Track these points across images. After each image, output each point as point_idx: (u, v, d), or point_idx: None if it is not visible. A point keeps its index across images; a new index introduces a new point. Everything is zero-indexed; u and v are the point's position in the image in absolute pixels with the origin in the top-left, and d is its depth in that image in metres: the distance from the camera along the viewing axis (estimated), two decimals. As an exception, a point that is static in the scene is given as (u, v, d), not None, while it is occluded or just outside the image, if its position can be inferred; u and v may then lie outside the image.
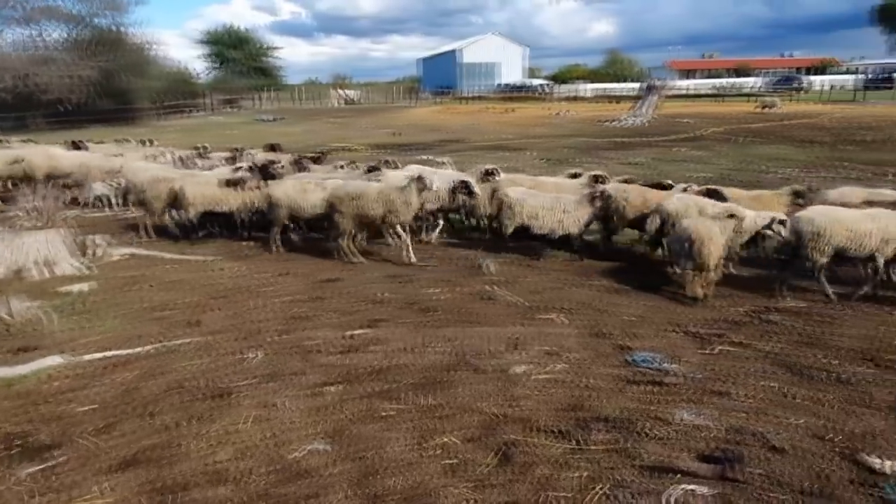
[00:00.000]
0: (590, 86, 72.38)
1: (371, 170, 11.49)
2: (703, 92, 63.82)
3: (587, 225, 9.02)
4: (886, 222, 6.96)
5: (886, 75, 64.31)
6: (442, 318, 6.72)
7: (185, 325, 6.61)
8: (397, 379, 5.25)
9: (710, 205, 8.05)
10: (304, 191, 9.54)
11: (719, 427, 4.37)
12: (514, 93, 68.87)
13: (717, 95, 59.26)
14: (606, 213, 8.98)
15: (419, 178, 8.50)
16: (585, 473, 3.90)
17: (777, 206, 8.32)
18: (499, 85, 77.89)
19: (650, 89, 36.23)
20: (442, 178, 9.57)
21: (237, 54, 76.40)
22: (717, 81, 71.60)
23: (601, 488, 3.75)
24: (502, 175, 10.32)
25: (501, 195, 9.16)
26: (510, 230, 9.03)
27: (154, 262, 9.26)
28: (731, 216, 7.46)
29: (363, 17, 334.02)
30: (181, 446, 4.34)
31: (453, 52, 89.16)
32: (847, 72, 77.35)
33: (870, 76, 65.73)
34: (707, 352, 5.76)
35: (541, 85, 73.25)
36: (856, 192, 9.15)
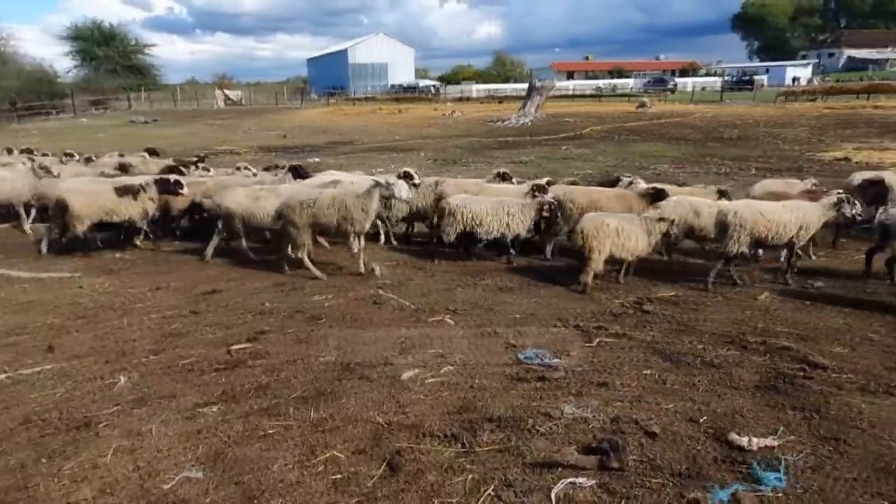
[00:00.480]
0: (478, 86, 73.97)
1: (267, 169, 11.23)
2: (584, 92, 66.95)
3: (532, 227, 9.21)
4: (802, 213, 7.58)
5: (746, 77, 70.41)
6: (330, 326, 6.53)
7: (38, 351, 5.98)
8: (281, 394, 5.01)
9: (706, 205, 8.44)
10: (256, 198, 9.02)
11: (601, 418, 4.50)
12: (405, 93, 69.10)
13: (598, 96, 62.39)
14: (552, 217, 9.10)
15: (385, 185, 7.99)
16: (473, 476, 3.87)
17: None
18: (389, 86, 77.80)
19: (535, 90, 37.48)
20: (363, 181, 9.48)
21: (106, 51, 71.29)
22: (597, 82, 75.40)
23: (489, 490, 3.74)
24: (449, 181, 10.35)
25: (444, 202, 9.03)
26: (452, 237, 8.93)
27: (2, 282, 8.36)
28: (662, 219, 7.89)
29: (245, 15, 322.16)
30: (35, 487, 3.89)
31: (343, 52, 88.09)
32: (713, 74, 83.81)
33: (732, 78, 71.59)
34: (590, 344, 5.96)
35: (431, 86, 73.95)
36: (777, 184, 10.15)
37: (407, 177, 9.52)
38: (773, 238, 7.59)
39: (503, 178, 11.11)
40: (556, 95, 54.05)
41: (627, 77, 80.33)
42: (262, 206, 8.87)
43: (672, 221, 7.87)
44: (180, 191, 9.74)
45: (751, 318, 6.66)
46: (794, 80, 71.04)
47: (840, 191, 8.33)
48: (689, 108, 42.40)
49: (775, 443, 4.15)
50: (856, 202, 7.67)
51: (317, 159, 22.62)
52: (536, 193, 9.34)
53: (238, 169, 12.59)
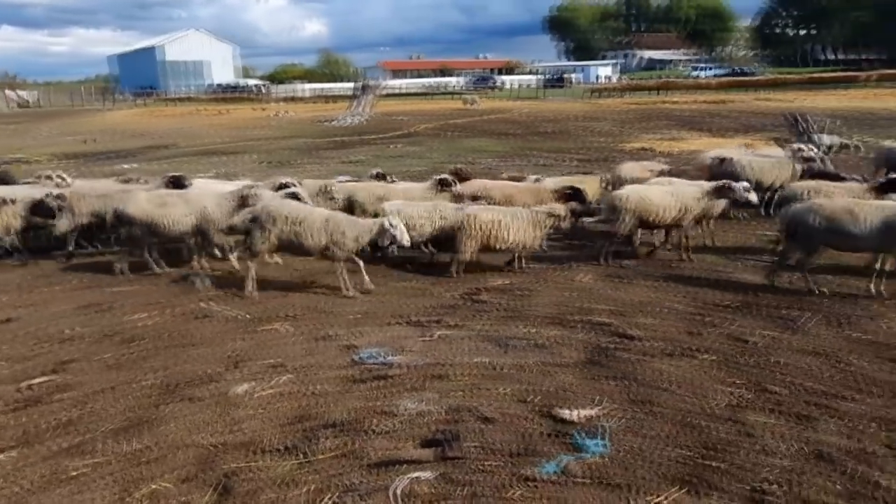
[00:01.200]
0: (307, 86, 72.36)
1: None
2: (413, 91, 68.16)
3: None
4: (685, 196, 8.25)
5: (559, 76, 76.04)
6: (149, 347, 5.97)
7: None
8: (92, 428, 4.48)
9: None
10: (163, 205, 7.94)
11: (439, 410, 4.57)
12: (228, 93, 65.71)
13: (427, 94, 63.81)
14: None
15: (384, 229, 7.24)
16: (313, 486, 3.73)
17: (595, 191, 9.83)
18: (210, 85, 73.49)
19: (365, 89, 37.43)
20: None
21: None
22: (425, 81, 77.16)
23: (330, 498, 3.63)
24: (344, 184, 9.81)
25: (378, 209, 8.48)
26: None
27: None
28: (552, 215, 8.12)
29: (34, 5, 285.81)
30: None
31: (153, 48, 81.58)
32: (532, 73, 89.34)
33: (547, 76, 76.91)
34: (427, 338, 6.02)
35: (256, 85, 71.03)
36: (638, 166, 11.19)
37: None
38: (657, 220, 8.30)
39: (380, 177, 10.65)
40: (387, 94, 54.48)
41: (453, 76, 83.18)
42: (169, 213, 8.02)
43: (560, 216, 8.26)
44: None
45: (574, 299, 7.14)
46: (601, 78, 78.09)
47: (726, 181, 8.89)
48: (512, 105, 44.86)
49: (598, 412, 4.48)
50: (733, 186, 8.30)
51: (132, 165, 20.71)
52: (442, 188, 9.26)
53: (44, 178, 10.94)
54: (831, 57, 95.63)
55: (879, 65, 69.99)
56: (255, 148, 25.35)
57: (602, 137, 26.43)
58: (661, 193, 8.42)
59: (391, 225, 7.20)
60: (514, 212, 8.12)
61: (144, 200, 8.11)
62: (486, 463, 3.91)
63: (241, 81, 75.10)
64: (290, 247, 7.45)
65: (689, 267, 8.27)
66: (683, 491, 3.62)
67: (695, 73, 76.57)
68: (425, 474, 3.78)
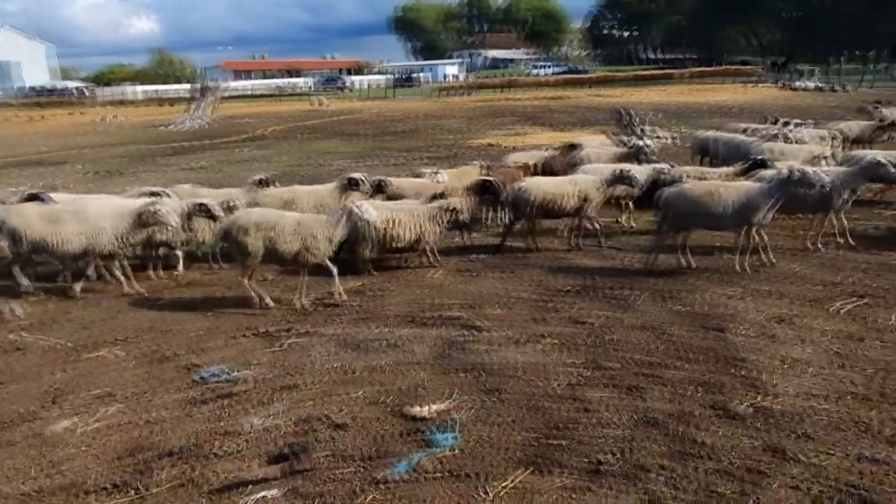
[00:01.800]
0: (139, 88, 67.11)
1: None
2: (260, 92, 65.66)
3: None
4: (585, 185, 8.56)
5: (408, 75, 76.91)
6: (-53, 390, 5.18)
7: None
8: None
9: None
10: (55, 221, 7.02)
11: (288, 422, 4.39)
12: (44, 97, 59.29)
13: (275, 95, 61.72)
14: None
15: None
16: (149, 524, 3.43)
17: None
18: (20, 88, 65.92)
19: (205, 90, 35.39)
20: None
21: None
22: (272, 82, 74.58)
23: (168, 534, 3.35)
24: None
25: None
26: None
27: None
28: (448, 210, 8.05)
29: None
30: None
31: (-50, 48, 71.47)
32: (381, 73, 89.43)
33: (396, 76, 77.42)
34: (276, 349, 5.79)
35: (78, 88, 64.74)
36: (523, 156, 11.91)
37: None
38: (559, 209, 8.59)
39: (262, 184, 9.78)
40: (232, 96, 52.02)
41: (302, 76, 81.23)
42: (61, 230, 7.04)
43: (455, 210, 8.19)
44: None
45: (426, 296, 7.21)
46: (449, 76, 80.00)
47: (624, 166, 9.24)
48: (362, 105, 44.66)
49: (449, 405, 4.54)
50: (631, 174, 8.71)
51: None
52: (351, 188, 8.82)
53: None
54: (653, 56, 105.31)
55: (693, 63, 78.23)
56: (81, 157, 23.05)
57: (451, 135, 27.04)
58: (561, 183, 8.83)
59: (359, 209, 6.87)
60: (409, 208, 8.02)
61: (35, 216, 7.24)
62: (337, 471, 3.81)
63: (59, 84, 68.02)
64: (269, 258, 7.04)
65: (535, 256, 8.67)
66: (529, 472, 3.76)
67: (536, 72, 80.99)
68: (272, 492, 3.61)
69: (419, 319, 6.41)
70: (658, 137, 13.83)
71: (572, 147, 12.03)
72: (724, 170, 9.67)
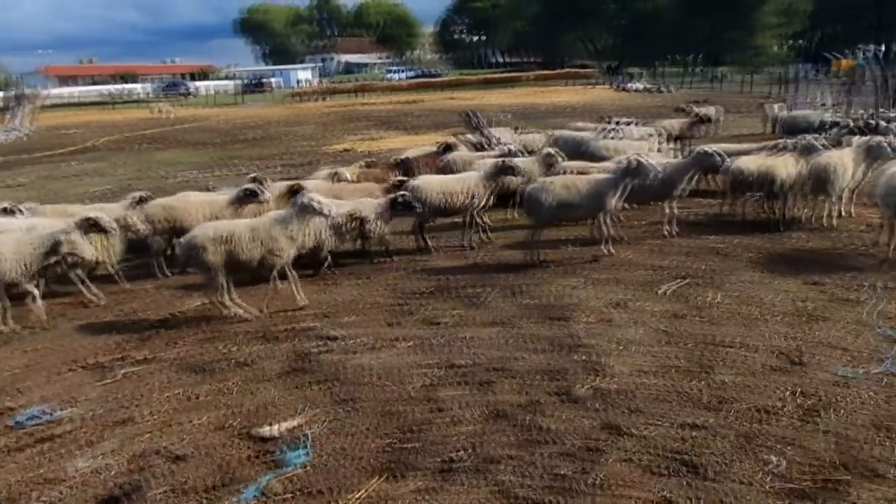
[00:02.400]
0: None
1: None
2: (90, 100, 60.25)
3: None
4: (470, 183, 8.56)
5: (259, 80, 74.07)
6: None
7: None
8: None
9: None
10: None
11: (121, 461, 4.03)
12: None
13: (108, 103, 56.87)
14: None
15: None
16: None
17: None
18: None
19: (20, 99, 31.75)
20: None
21: None
22: (104, 88, 68.64)
23: None
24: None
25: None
26: None
27: None
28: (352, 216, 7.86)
29: None
30: None
31: None
32: (228, 78, 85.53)
33: (245, 81, 74.28)
34: (108, 381, 5.29)
35: None
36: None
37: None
38: (448, 206, 8.54)
39: (141, 201, 8.60)
40: (55, 104, 47.17)
41: (138, 82, 75.53)
42: None
43: (362, 219, 7.94)
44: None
45: (278, 309, 6.95)
46: (302, 81, 78.18)
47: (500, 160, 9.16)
48: (209, 112, 42.38)
49: (301, 421, 4.40)
50: (514, 164, 8.78)
51: None
52: (249, 199, 8.23)
53: None
54: (501, 60, 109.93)
55: (536, 67, 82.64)
56: None
57: (306, 141, 26.46)
58: (449, 181, 8.85)
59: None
60: (255, 223, 7.00)
61: None
62: (177, 507, 3.55)
63: None
64: (231, 268, 6.65)
65: (390, 261, 8.66)
66: (383, 479, 3.74)
67: (389, 76, 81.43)
68: (101, 541, 3.28)
69: (270, 334, 6.17)
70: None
71: (448, 148, 12.14)
72: (605, 165, 10.28)
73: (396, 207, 8.23)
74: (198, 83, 74.17)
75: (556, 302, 6.63)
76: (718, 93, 41.03)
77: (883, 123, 15.73)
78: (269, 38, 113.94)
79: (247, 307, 6.74)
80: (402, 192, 8.50)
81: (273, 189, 9.14)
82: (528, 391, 4.74)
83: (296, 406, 4.65)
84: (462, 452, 3.94)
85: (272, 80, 74.98)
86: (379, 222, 8.21)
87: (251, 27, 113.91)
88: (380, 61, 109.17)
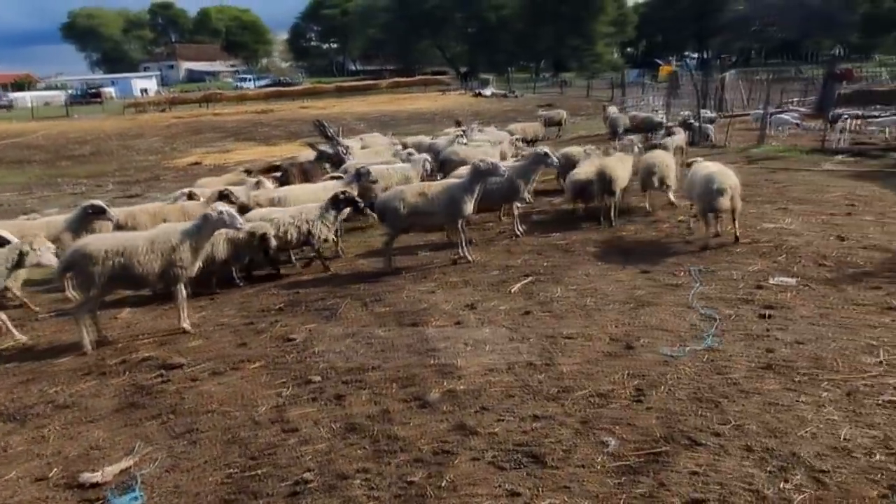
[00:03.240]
0: None
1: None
2: None
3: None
4: (310, 216, 8.03)
5: (92, 90, 67.97)
6: None
7: None
8: None
9: None
10: None
11: None
12: None
13: None
14: None
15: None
16: None
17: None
18: None
19: None
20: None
21: None
22: None
23: None
24: None
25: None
26: None
27: None
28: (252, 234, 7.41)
29: None
30: None
31: None
32: (55, 87, 77.81)
33: (76, 91, 67.96)
34: None
35: None
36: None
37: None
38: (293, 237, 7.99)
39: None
40: None
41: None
42: None
43: (263, 234, 7.45)
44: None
45: (111, 340, 6.37)
46: (143, 91, 72.90)
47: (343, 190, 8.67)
48: (30, 127, 38.20)
49: (131, 462, 4.04)
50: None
51: None
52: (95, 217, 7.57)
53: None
54: (356, 67, 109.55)
55: (393, 74, 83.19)
56: None
57: (149, 156, 24.76)
58: (283, 214, 8.14)
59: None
60: (153, 236, 6.41)
61: None
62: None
63: None
64: (126, 284, 6.46)
65: (244, 278, 8.26)
66: (224, 514, 3.52)
67: (240, 84, 78.23)
68: None
69: (100, 369, 5.63)
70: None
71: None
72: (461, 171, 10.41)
73: (339, 206, 8.18)
74: (16, 94, 66.60)
75: (410, 308, 6.65)
76: (564, 97, 43.74)
77: (697, 123, 17.56)
78: (99, 44, 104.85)
79: (91, 341, 6.15)
80: (342, 190, 8.43)
81: (205, 195, 9.03)
82: (380, 401, 4.69)
83: (127, 446, 4.26)
84: (311, 473, 3.80)
85: (108, 90, 69.20)
86: (321, 224, 8.03)
87: (79, 32, 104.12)
88: (229, 69, 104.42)
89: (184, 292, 6.52)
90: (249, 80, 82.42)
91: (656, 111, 21.67)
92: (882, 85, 27.86)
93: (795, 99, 23.68)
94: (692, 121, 18.26)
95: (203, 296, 7.59)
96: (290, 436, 4.29)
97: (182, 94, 59.47)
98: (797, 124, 17.34)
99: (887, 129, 16.19)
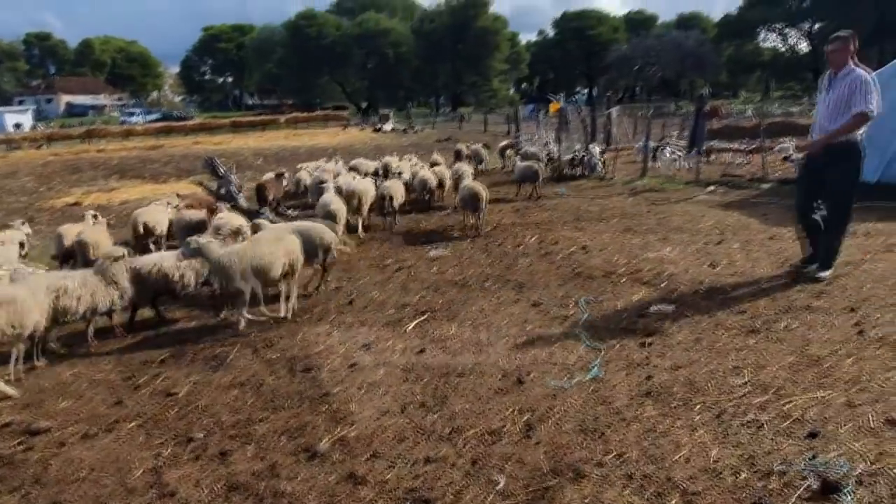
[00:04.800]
0: None
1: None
2: None
3: None
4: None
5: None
6: None
7: None
8: None
9: None
10: None
11: None
12: None
13: None
14: None
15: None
16: None
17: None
18: None
19: None
20: None
21: None
22: None
23: None
24: None
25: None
26: None
27: None
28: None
29: None
30: None
31: None
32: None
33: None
34: None
35: None
36: None
37: None
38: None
39: None
40: None
41: None
42: None
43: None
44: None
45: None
46: (16, 126, 67.81)
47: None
48: None
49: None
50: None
51: None
52: None
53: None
54: (254, 102, 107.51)
55: (291, 109, 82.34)
56: None
57: (22, 196, 22.93)
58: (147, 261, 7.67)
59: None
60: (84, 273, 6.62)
61: None
62: None
63: None
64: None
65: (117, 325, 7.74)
66: None
67: (127, 119, 74.59)
68: None
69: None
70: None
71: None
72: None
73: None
74: None
75: (303, 352, 6.48)
76: (462, 131, 44.84)
77: (587, 156, 18.51)
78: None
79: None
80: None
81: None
82: (268, 455, 4.50)
83: (-25, 529, 3.84)
84: (185, 542, 3.57)
85: (-25, 125, 63.92)
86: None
87: None
88: (113, 103, 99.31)
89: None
90: (138, 114, 78.68)
91: (547, 143, 22.65)
92: (747, 121, 30.69)
93: (675, 133, 25.54)
94: (582, 154, 19.24)
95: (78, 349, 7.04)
96: (167, 500, 4.02)
97: (61, 130, 55.75)
98: (678, 157, 18.66)
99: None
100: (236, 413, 5.20)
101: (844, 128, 6.76)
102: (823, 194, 7.23)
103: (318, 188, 12.57)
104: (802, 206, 7.53)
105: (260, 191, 13.83)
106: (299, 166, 19.43)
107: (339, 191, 11.84)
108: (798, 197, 7.72)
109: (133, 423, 5.14)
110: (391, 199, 12.24)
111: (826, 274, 7.32)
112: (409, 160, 18.26)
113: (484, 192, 11.27)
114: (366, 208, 12.10)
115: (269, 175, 16.07)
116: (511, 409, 4.88)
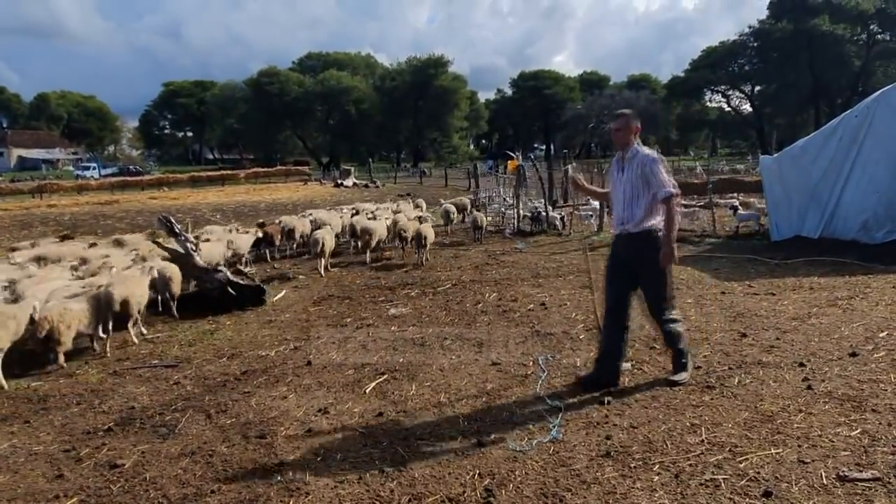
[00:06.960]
0: None
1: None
2: None
3: None
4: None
5: None
6: None
7: None
8: None
9: None
10: None
11: None
12: None
13: None
14: None
15: None
16: None
17: None
18: None
19: None
20: None
21: None
22: None
23: None
24: None
25: None
26: None
27: None
28: None
29: None
30: None
31: None
32: None
33: None
34: None
35: None
36: None
37: None
38: None
39: None
40: None
41: None
42: None
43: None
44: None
45: None
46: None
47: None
48: None
49: None
50: None
51: None
52: None
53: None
54: (213, 157, 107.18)
55: (252, 163, 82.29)
56: None
57: (-35, 253, 22.03)
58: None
59: None
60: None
61: None
62: None
63: None
64: None
65: (64, 389, 7.40)
66: None
67: (82, 173, 73.30)
68: None
69: None
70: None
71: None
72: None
73: None
74: None
75: (258, 418, 6.28)
76: (423, 186, 45.39)
77: (545, 213, 18.87)
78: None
79: None
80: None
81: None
82: (215, 531, 4.30)
83: None
84: None
85: (-80, 180, 61.80)
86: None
87: None
88: (69, 156, 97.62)
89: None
90: (93, 168, 77.42)
91: (505, 199, 23.11)
92: (697, 177, 31.92)
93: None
94: (542, 211, 19.64)
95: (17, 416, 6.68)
96: (108, 586, 3.78)
97: (10, 184, 54.34)
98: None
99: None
100: (185, 486, 4.97)
101: (672, 220, 6.07)
102: (640, 284, 6.49)
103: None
104: (615, 301, 6.56)
105: (267, 236, 15.23)
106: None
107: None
108: (609, 292, 6.61)
109: (73, 500, 4.86)
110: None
111: (684, 377, 6.50)
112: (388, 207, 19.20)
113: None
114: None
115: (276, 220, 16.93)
116: (471, 474, 4.80)
